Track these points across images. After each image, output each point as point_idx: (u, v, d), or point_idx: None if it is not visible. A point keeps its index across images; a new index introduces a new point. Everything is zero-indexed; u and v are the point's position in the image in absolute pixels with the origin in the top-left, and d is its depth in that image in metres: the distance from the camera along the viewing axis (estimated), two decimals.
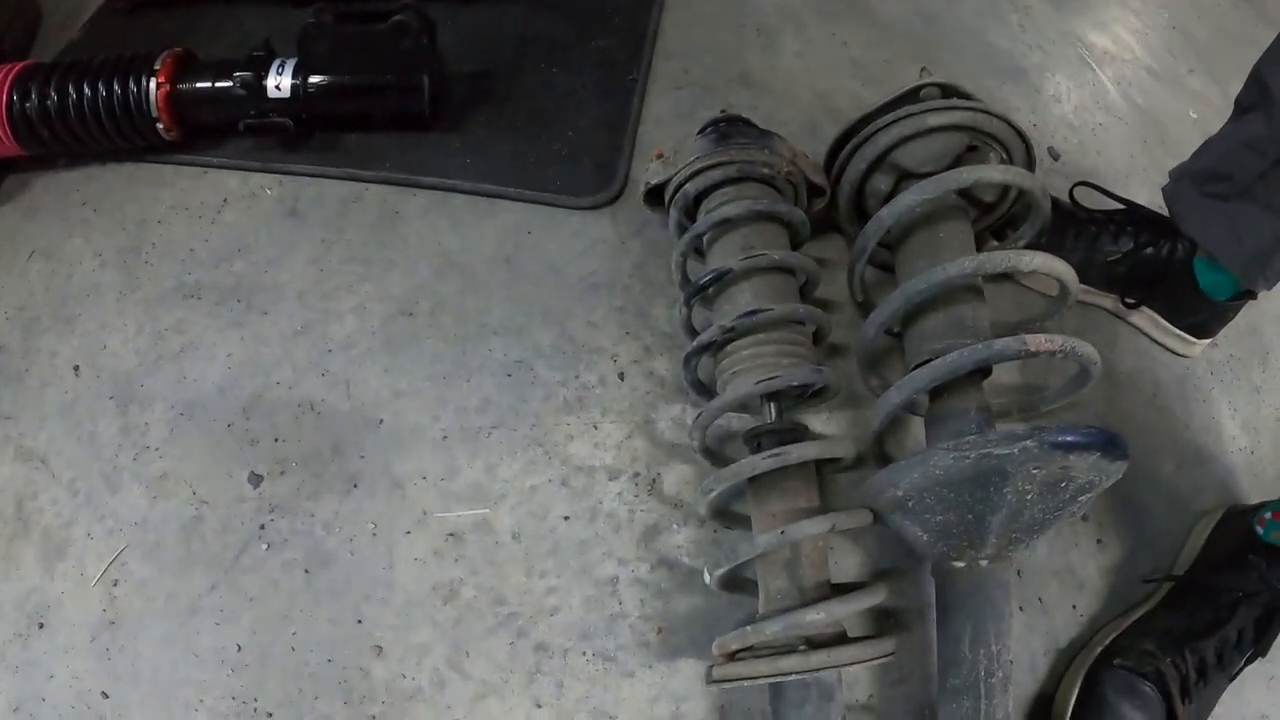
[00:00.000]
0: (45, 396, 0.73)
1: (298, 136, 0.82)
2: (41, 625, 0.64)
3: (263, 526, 0.65)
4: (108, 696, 0.61)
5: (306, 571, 0.63)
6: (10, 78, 0.81)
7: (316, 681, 0.60)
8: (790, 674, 0.51)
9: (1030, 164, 0.69)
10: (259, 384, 0.71)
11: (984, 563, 0.54)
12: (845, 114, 0.81)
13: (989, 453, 0.49)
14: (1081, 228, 0.79)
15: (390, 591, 0.63)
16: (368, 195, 0.82)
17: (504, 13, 0.97)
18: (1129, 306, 0.81)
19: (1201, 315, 0.79)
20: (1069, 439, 0.49)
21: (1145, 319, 0.82)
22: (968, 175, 0.60)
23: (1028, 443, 0.48)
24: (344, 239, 0.79)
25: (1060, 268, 0.58)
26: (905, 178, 0.68)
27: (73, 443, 0.71)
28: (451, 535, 0.65)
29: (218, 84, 0.80)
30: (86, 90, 0.80)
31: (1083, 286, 0.78)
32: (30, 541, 0.67)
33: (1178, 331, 0.81)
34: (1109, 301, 0.82)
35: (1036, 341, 0.53)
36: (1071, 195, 0.81)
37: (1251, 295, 0.76)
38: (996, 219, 0.73)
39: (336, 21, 0.80)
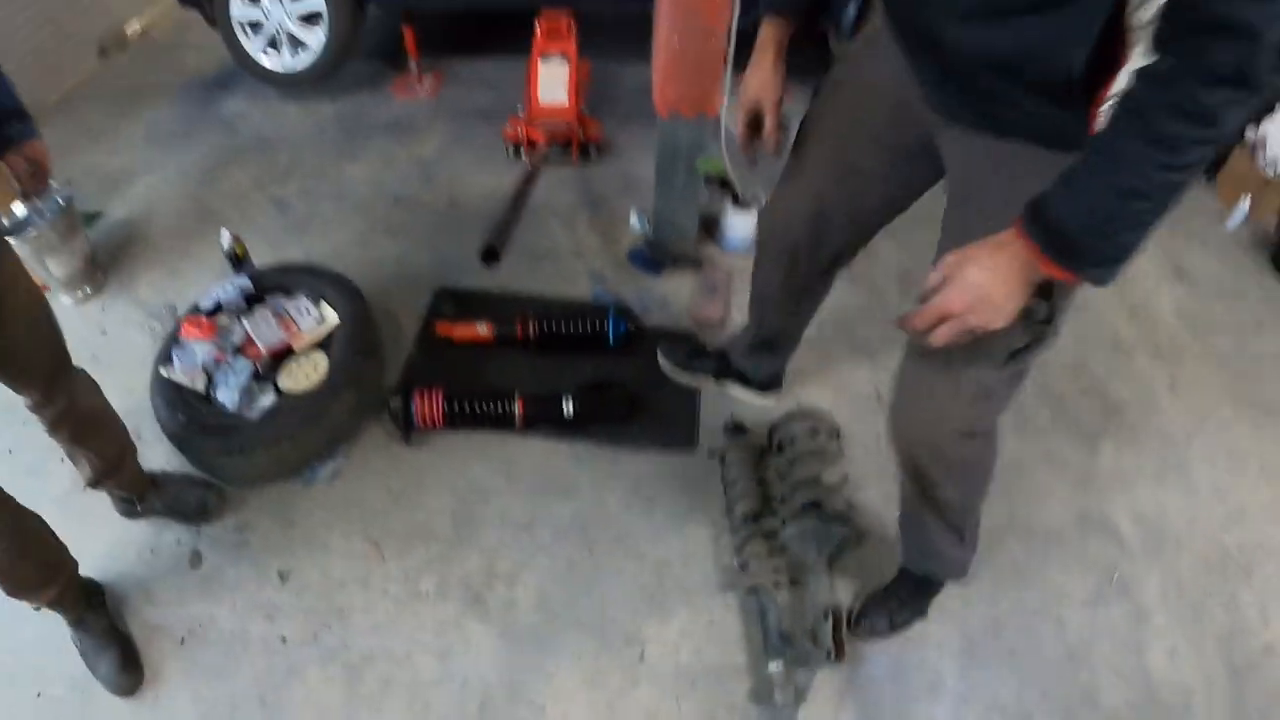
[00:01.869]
0: (536, 537, 2.17)
1: (576, 427, 2.32)
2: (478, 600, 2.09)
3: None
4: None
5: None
6: (440, 396, 2.29)
7: None
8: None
9: (838, 434, 2.24)
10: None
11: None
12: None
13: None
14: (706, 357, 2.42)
15: None
16: (604, 452, 2.32)
17: (628, 365, 2.51)
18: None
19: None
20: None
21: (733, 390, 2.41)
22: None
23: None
24: (615, 478, 2.27)
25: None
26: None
27: (531, 555, 2.16)
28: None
29: (545, 408, 2.32)
30: (480, 407, 2.31)
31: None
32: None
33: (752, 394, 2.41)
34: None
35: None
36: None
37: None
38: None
39: (589, 388, 2.34)
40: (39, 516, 1.84)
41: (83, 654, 2.01)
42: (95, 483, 2.11)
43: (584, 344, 2.53)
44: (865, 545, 2.09)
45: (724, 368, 2.38)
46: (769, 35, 1.63)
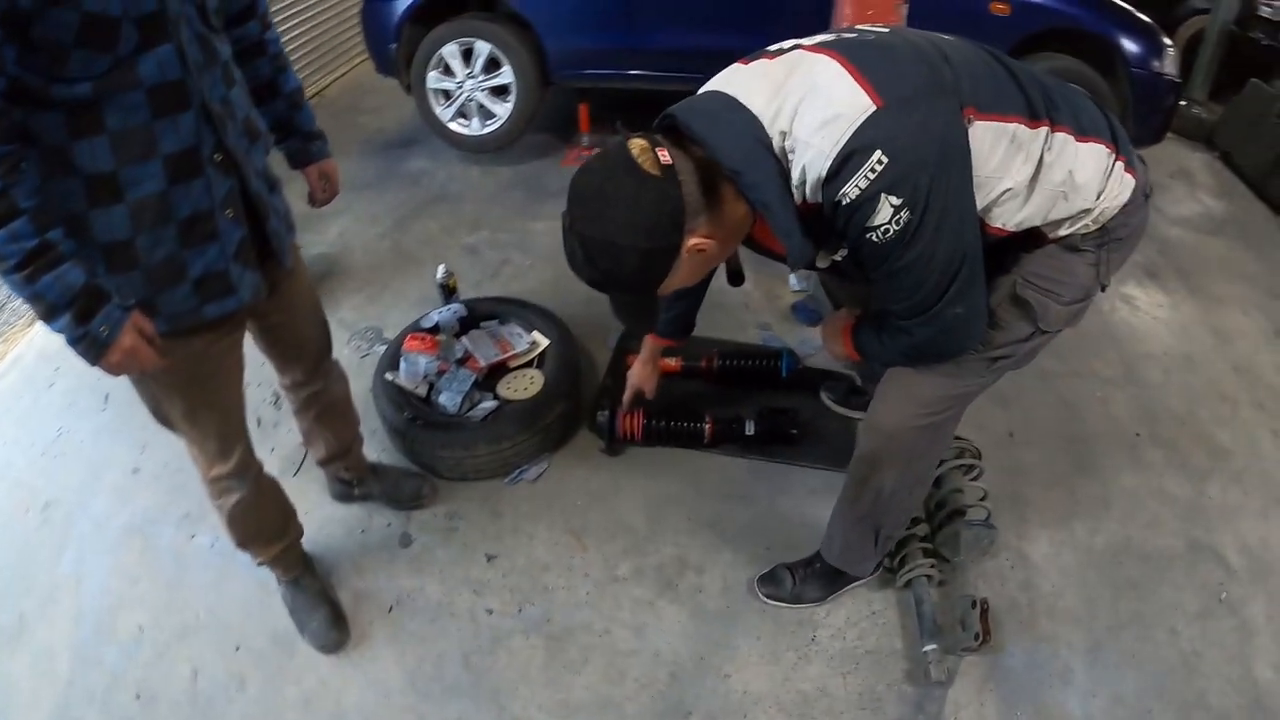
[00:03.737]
0: (721, 534, 2.49)
1: (754, 445, 2.64)
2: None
3: None
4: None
5: None
6: (641, 413, 2.60)
7: None
8: None
9: (979, 455, 2.51)
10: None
11: None
12: None
13: None
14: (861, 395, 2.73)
15: None
16: (777, 468, 2.63)
17: (794, 398, 2.85)
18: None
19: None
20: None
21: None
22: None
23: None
24: (787, 489, 2.56)
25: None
26: None
27: (717, 550, 2.48)
28: None
29: (730, 428, 2.65)
30: (675, 424, 2.62)
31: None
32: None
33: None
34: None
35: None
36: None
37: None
38: None
39: (769, 411, 2.66)
40: (275, 480, 2.05)
41: (293, 611, 2.19)
42: (326, 462, 2.38)
43: (759, 378, 2.87)
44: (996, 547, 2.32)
45: None
46: (652, 347, 2.47)
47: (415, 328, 2.91)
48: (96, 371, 1.42)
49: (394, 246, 3.83)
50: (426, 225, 3.99)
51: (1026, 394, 2.93)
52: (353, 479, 2.47)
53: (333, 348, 2.13)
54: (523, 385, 2.69)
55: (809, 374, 2.92)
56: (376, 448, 2.71)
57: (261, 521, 2.04)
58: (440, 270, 3.09)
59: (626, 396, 2.58)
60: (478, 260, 3.71)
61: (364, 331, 3.29)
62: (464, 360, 2.79)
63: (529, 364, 2.80)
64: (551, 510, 2.52)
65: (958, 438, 2.38)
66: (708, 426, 2.63)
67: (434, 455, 2.57)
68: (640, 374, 2.54)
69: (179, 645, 2.18)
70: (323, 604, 2.20)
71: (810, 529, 2.37)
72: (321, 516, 2.49)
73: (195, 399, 1.70)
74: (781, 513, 2.51)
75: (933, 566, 2.21)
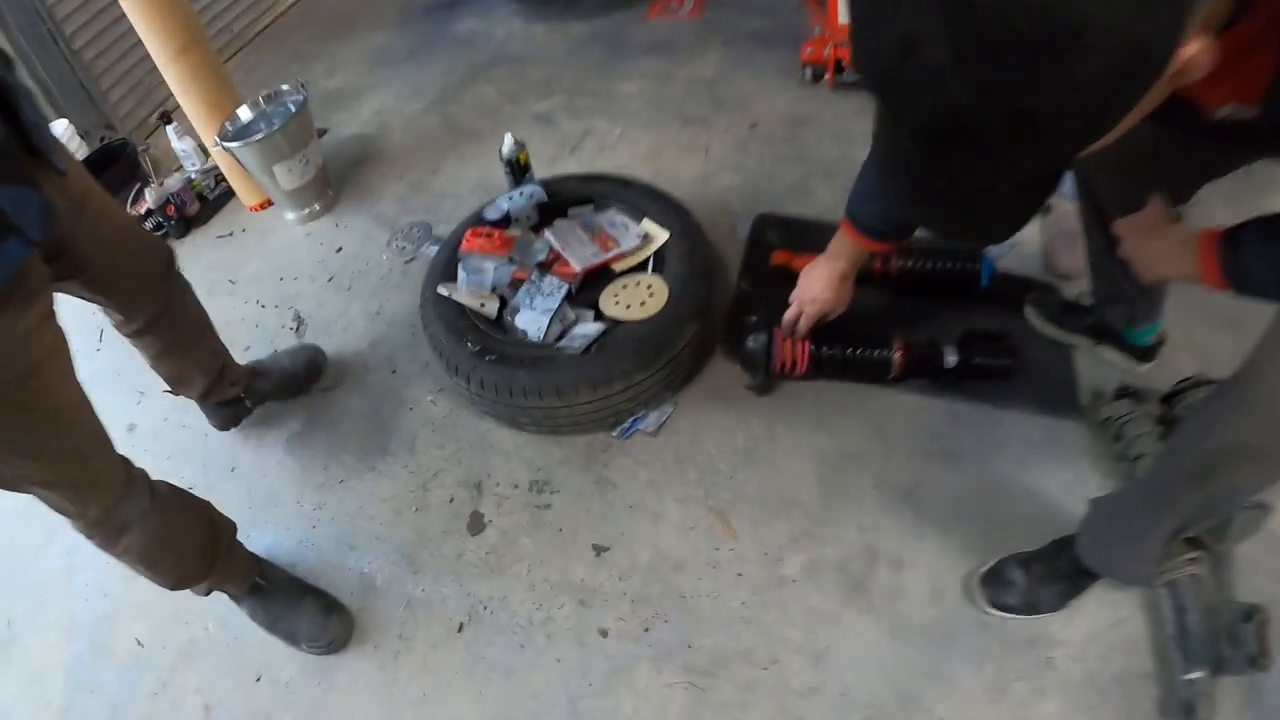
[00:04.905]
0: (921, 510, 1.70)
1: (952, 381, 1.83)
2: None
3: None
4: None
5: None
6: (806, 346, 1.82)
7: None
8: None
9: None
10: None
11: None
12: None
13: None
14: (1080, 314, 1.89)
15: None
16: (984, 413, 1.82)
17: (989, 315, 1.96)
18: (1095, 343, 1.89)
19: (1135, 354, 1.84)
20: None
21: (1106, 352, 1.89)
22: None
23: None
24: (1000, 444, 1.76)
25: None
26: None
27: (919, 533, 1.71)
28: None
29: (925, 357, 1.84)
30: (854, 353, 1.83)
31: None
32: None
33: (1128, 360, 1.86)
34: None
35: None
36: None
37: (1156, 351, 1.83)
38: None
39: (976, 336, 1.82)
40: (166, 483, 1.54)
41: (271, 624, 1.70)
42: (208, 393, 1.92)
43: (948, 286, 2.04)
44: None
45: (1101, 328, 1.91)
46: (855, 250, 1.72)
47: (477, 220, 2.15)
48: (85, 306, 1.26)
49: (444, 121, 3.06)
50: (482, 92, 3.19)
51: (1256, 311, 2.10)
52: (240, 393, 2.02)
53: (173, 255, 1.68)
54: (638, 298, 1.90)
55: (1008, 283, 2.07)
56: (430, 385, 2.08)
57: (186, 541, 1.55)
58: (507, 142, 2.28)
59: (804, 322, 1.82)
60: (552, 131, 2.89)
61: (408, 229, 2.58)
62: (549, 265, 2.01)
63: (640, 267, 2.00)
64: (683, 477, 1.82)
65: (1204, 381, 1.73)
66: (897, 355, 1.83)
67: (511, 402, 1.82)
68: (834, 290, 1.79)
69: (185, 669, 1.72)
70: (304, 594, 1.72)
71: (1038, 501, 1.69)
72: (355, 501, 1.92)
73: (26, 416, 1.20)
74: (999, 478, 1.75)
75: (1192, 561, 1.51)
